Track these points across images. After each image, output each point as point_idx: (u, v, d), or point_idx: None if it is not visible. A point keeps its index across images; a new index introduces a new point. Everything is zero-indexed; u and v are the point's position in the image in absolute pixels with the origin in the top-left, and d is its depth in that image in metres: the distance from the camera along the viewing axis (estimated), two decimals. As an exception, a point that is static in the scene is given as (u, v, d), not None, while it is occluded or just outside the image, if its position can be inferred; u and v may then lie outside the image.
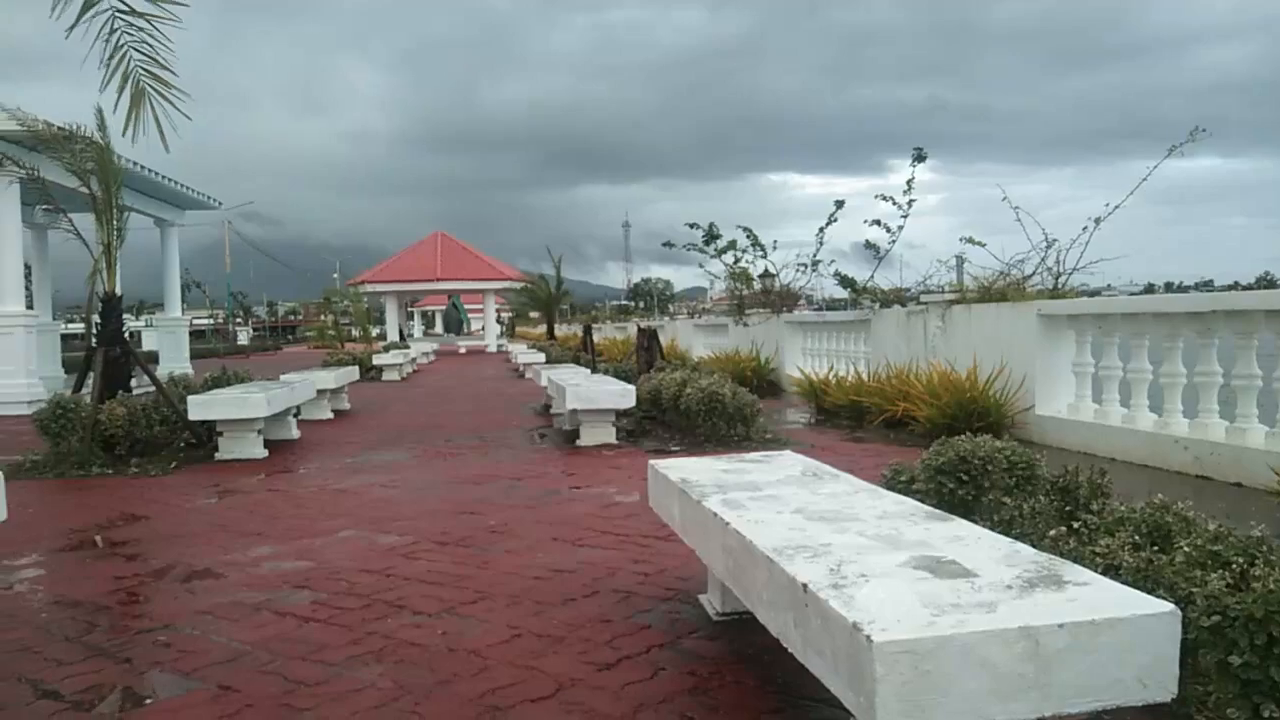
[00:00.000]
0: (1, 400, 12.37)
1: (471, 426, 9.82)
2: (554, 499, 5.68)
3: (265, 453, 7.76)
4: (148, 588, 3.94)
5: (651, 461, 3.65)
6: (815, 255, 13.53)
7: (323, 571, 4.08)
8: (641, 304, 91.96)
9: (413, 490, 6.14)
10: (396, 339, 33.89)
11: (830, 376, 10.30)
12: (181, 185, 17.06)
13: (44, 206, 9.43)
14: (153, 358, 16.67)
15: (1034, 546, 2.32)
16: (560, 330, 32.98)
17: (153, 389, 8.15)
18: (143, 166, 14.57)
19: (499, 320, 45.63)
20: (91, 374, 8.00)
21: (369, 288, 35.86)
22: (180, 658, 3.05)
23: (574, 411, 7.95)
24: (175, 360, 18.33)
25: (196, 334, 22.67)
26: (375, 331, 34.82)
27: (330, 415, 11.00)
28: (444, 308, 53.84)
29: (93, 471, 7.05)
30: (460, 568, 4.07)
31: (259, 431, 7.78)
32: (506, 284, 36.31)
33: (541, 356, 18.61)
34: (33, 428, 7.47)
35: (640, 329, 12.80)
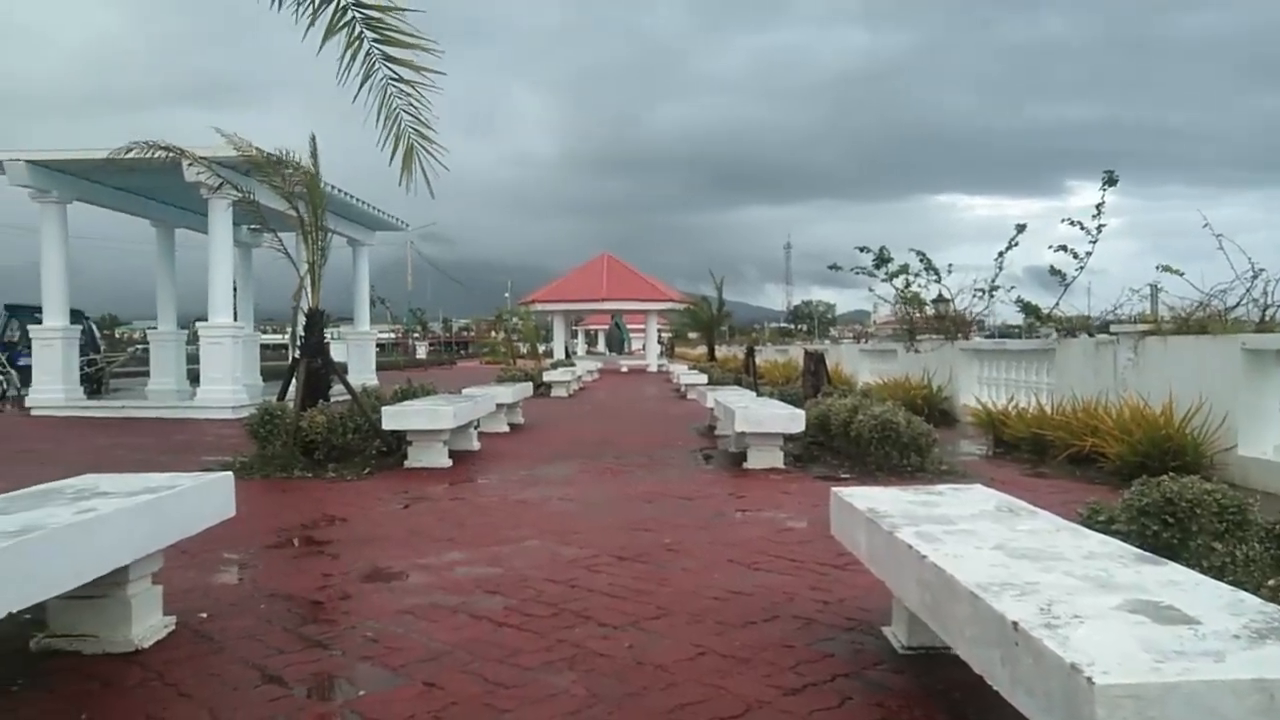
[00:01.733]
0: (210, 404, 13.50)
1: (639, 444, 10.00)
2: (725, 520, 5.72)
3: (450, 462, 8.15)
4: (353, 585, 4.22)
5: (835, 489, 3.64)
6: (994, 280, 13.09)
7: (512, 578, 4.27)
8: (803, 327, 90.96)
9: (588, 504, 6.32)
10: (563, 356, 34.81)
11: (1009, 407, 9.94)
12: (373, 208, 18.14)
13: (252, 226, 10.24)
14: (342, 369, 17.70)
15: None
16: (720, 351, 33.03)
17: (348, 398, 8.72)
18: (340, 190, 15.58)
19: (659, 340, 46.14)
20: (294, 383, 8.61)
21: (538, 307, 37.00)
22: (387, 653, 3.26)
23: (741, 434, 7.99)
24: (362, 372, 19.46)
25: (379, 347, 23.99)
26: (542, 348, 35.92)
27: (506, 429, 11.43)
28: (606, 327, 55.01)
29: (294, 474, 7.59)
30: (640, 583, 4.17)
31: (444, 442, 8.18)
32: (668, 305, 36.74)
33: (703, 378, 18.72)
34: (238, 430, 8.14)
35: (807, 353, 12.71)
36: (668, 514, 5.92)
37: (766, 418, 7.90)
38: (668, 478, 7.54)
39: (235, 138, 10.05)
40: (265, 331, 37.24)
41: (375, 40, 4.69)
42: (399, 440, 8.31)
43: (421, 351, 53.32)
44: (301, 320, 8.87)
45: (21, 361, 17.99)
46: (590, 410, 15.70)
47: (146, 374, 19.70)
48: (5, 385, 18.31)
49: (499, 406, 11.09)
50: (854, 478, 7.28)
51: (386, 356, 46.70)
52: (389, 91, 4.66)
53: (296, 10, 4.42)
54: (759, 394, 11.65)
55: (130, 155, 9.31)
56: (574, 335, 57.03)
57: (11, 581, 2.45)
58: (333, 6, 4.48)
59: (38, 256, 14.22)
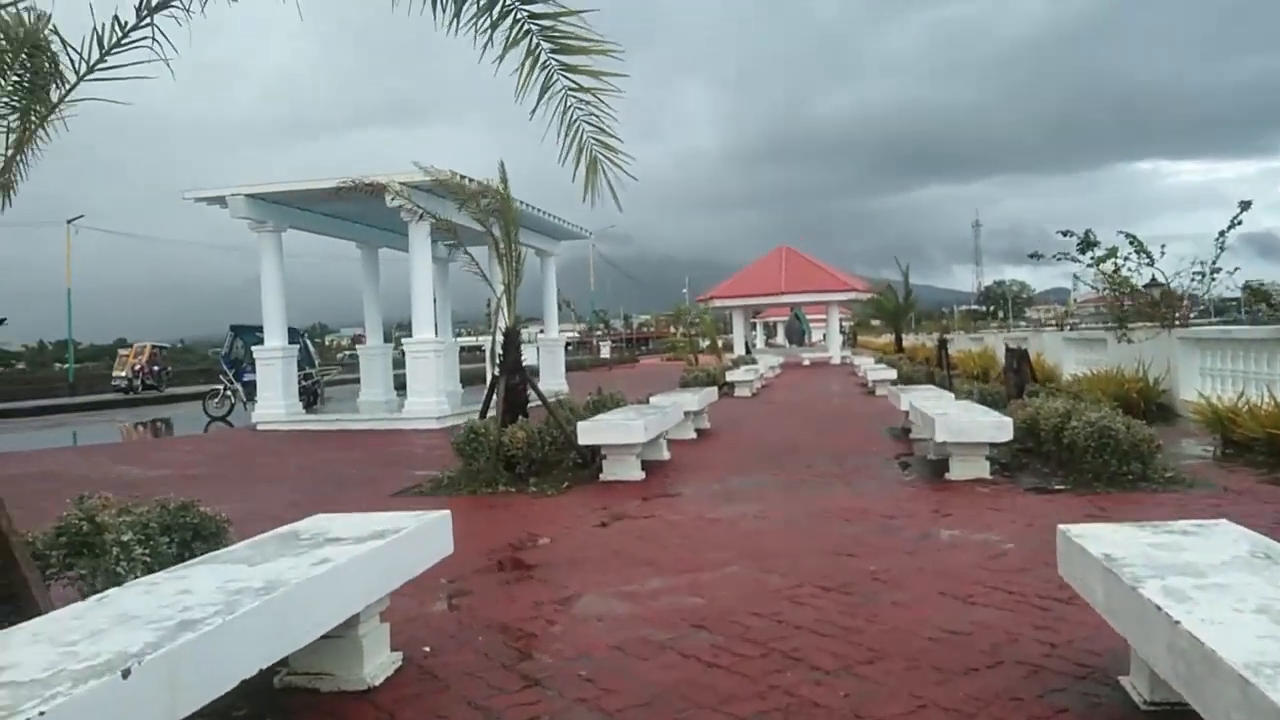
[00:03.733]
0: (416, 415, 14.26)
1: (829, 449, 9.80)
2: (932, 544, 5.51)
3: (643, 475, 8.26)
4: (563, 616, 4.33)
5: (1062, 528, 3.42)
6: (1215, 262, 12.05)
7: (716, 611, 4.26)
8: (995, 309, 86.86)
9: (784, 523, 6.24)
10: (743, 352, 34.70)
11: (1239, 403, 9.10)
12: (559, 219, 18.67)
13: (448, 244, 10.70)
14: (533, 373, 18.27)
15: None
16: (907, 340, 32.00)
17: (537, 403, 8.99)
18: (530, 206, 16.08)
19: (841, 330, 45.18)
20: (494, 399, 8.96)
21: (717, 303, 37.03)
22: (602, 695, 3.31)
23: (942, 443, 7.68)
24: (553, 376, 20.12)
25: (565, 346, 24.51)
26: (720, 342, 35.93)
27: (693, 435, 11.47)
28: (785, 319, 54.39)
29: (499, 489, 7.89)
30: (848, 618, 4.07)
31: (637, 455, 8.30)
32: (850, 295, 35.95)
33: (892, 373, 18.20)
34: (443, 440, 8.52)
35: (1009, 349, 12.08)
36: (870, 535, 5.76)
37: (970, 426, 7.56)
38: (865, 491, 7.34)
39: (431, 168, 10.56)
40: (460, 334, 38.81)
41: (552, 50, 4.56)
42: (594, 452, 8.49)
43: (605, 350, 54.40)
44: (499, 338, 9.19)
45: (246, 377, 19.58)
46: (775, 411, 15.54)
47: (355, 380, 21.10)
48: (232, 399, 20.00)
49: (686, 414, 11.14)
50: (1069, 490, 6.86)
51: (572, 356, 47.99)
52: (568, 102, 4.60)
53: (475, 27, 4.42)
54: (953, 393, 11.19)
55: (339, 187, 9.98)
56: (752, 328, 56.81)
57: (261, 640, 2.63)
58: (509, 20, 4.47)
59: (254, 277, 15.43)
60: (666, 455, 9.44)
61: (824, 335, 41.61)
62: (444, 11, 4.14)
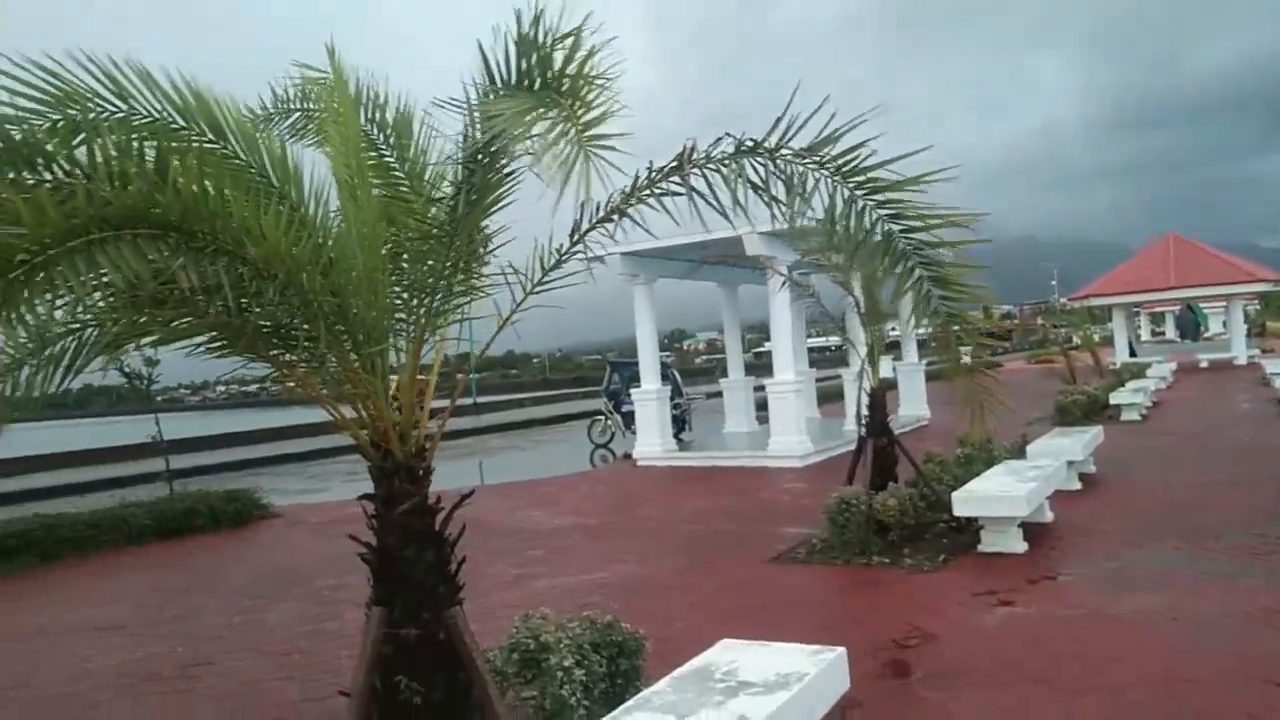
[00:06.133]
0: (780, 454, 14.69)
1: (1248, 509, 8.78)
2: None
3: (1025, 546, 7.96)
4: (959, 748, 4.37)
5: None
6: None
7: (1125, 761, 4.10)
8: None
9: (1198, 628, 5.73)
10: (1126, 355, 31.72)
11: None
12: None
13: (805, 296, 10.96)
14: (891, 385, 17.95)
15: None
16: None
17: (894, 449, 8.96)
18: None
19: (1244, 319, 39.59)
20: (861, 464, 9.07)
21: (1093, 301, 34.14)
22: None
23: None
24: (913, 401, 19.75)
25: (919, 344, 23.35)
26: (1096, 336, 32.97)
27: (1078, 485, 10.78)
28: (1174, 309, 48.71)
29: (872, 559, 7.99)
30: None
31: (1019, 525, 8.02)
32: (1258, 287, 31.58)
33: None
34: (808, 484, 8.72)
35: None
36: (1305, 653, 5.17)
37: None
38: (1295, 579, 6.56)
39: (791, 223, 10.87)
40: (813, 335, 38.42)
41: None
42: (968, 517, 8.32)
43: (966, 357, 51.41)
44: (864, 400, 9.28)
45: (624, 408, 21.19)
46: (1172, 445, 14.09)
47: (713, 393, 22.18)
48: (613, 428, 21.73)
49: (1070, 464, 10.50)
50: None
51: (928, 365, 46.13)
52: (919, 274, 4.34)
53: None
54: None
55: (704, 242, 10.69)
56: (1135, 320, 51.47)
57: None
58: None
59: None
60: (1049, 517, 8.98)
61: (1224, 325, 36.85)
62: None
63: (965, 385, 4.49)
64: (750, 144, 3.72)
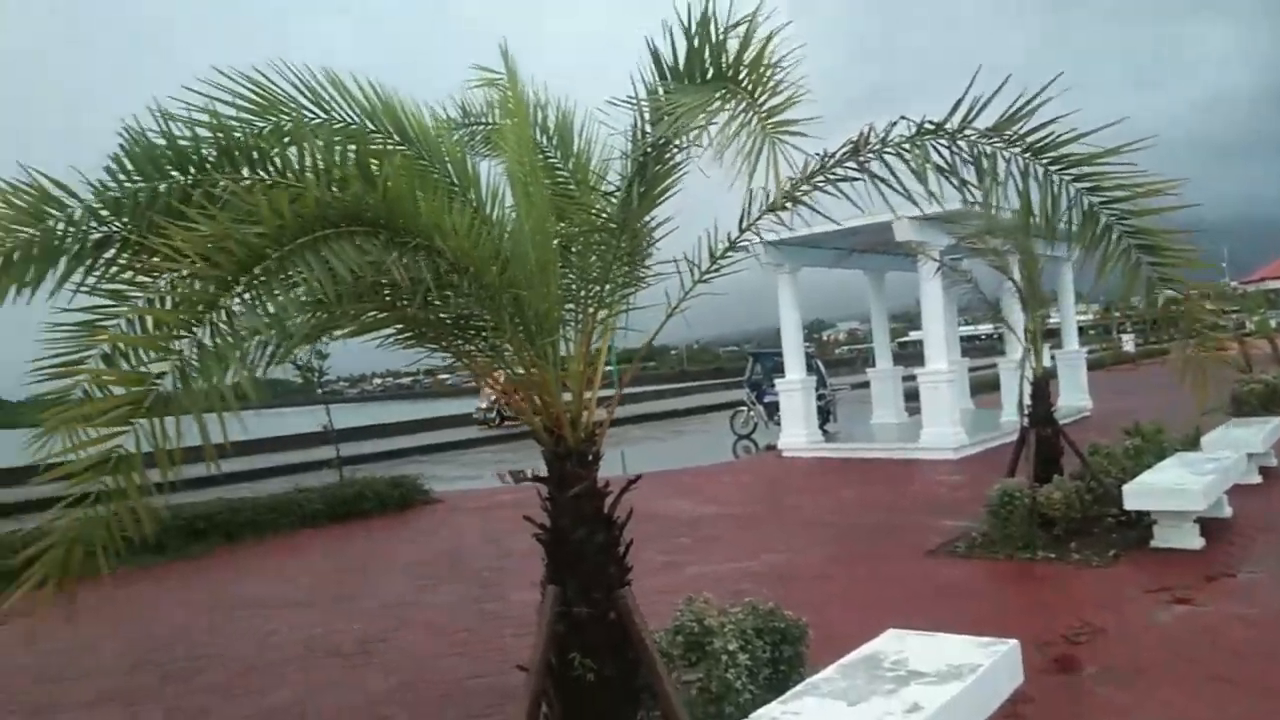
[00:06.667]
0: (932, 446, 14.34)
1: None
2: None
3: (1201, 542, 7.55)
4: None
5: None
6: None
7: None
8: None
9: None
10: (1310, 342, 29.42)
11: None
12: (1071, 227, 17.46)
13: (963, 281, 10.64)
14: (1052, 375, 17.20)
15: None
16: None
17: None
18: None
19: None
20: (1024, 455, 8.77)
21: (1270, 284, 31.86)
22: None
23: None
24: (1074, 391, 18.92)
25: (1079, 331, 22.08)
26: (1274, 322, 30.69)
27: (1257, 479, 10.12)
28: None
29: (1036, 554, 7.73)
30: None
31: (1195, 520, 7.61)
32: None
33: None
34: (963, 475, 8.50)
35: None
36: None
37: None
38: None
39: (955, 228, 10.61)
40: (964, 323, 37.09)
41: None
42: (1140, 510, 7.94)
43: (1129, 344, 48.83)
44: (1026, 389, 8.98)
45: (766, 399, 21.07)
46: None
47: (859, 384, 21.79)
48: (755, 419, 21.65)
49: (1250, 456, 9.87)
50: None
51: (1090, 353, 43.97)
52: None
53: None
54: None
55: (853, 229, 10.50)
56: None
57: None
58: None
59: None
60: (1227, 512, 8.46)
61: None
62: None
63: (1184, 356, 4.25)
64: (931, 126, 3.67)
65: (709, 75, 3.36)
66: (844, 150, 3.81)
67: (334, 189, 2.92)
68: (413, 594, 8.50)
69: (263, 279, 2.63)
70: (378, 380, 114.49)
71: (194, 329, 2.56)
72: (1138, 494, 7.70)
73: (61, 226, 3.37)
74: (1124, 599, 6.44)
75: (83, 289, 3.56)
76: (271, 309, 2.62)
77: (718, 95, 3.15)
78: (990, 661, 3.93)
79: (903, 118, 3.73)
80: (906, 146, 3.78)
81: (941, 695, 3.59)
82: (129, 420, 2.50)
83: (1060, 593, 6.79)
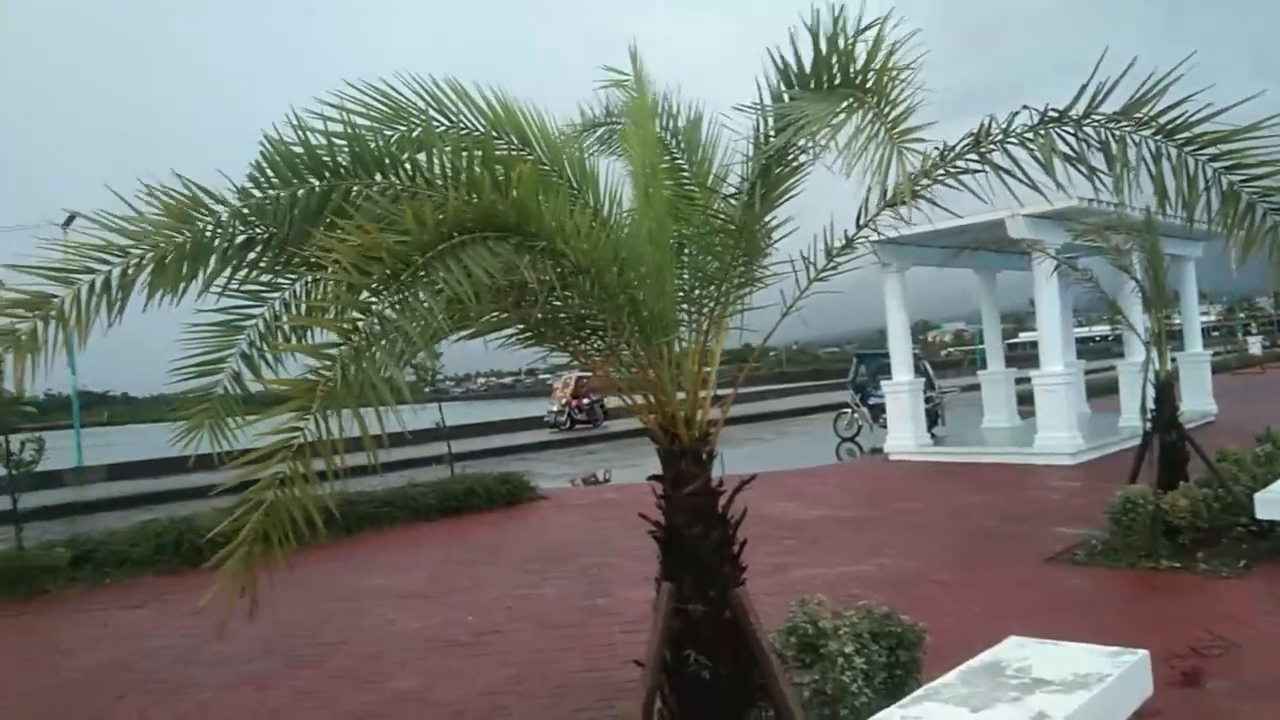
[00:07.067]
0: (1048, 451, 13.90)
1: None
2: None
3: (1341, 555, 7.17)
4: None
5: None
6: None
7: None
8: None
9: None
10: None
11: None
12: (1199, 221, 16.71)
13: (1084, 280, 10.28)
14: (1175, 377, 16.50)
15: None
16: None
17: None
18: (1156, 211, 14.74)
19: None
20: (1146, 460, 8.44)
21: None
22: None
23: None
24: (1198, 395, 18.11)
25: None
26: None
27: (1407, 490, 9.51)
28: None
29: (1160, 563, 7.44)
30: None
31: (1336, 533, 7.23)
32: None
33: None
34: (1081, 481, 8.22)
35: None
36: None
37: None
38: None
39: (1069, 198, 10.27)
40: (1077, 324, 35.86)
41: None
42: (1272, 520, 7.57)
43: (1255, 347, 46.18)
44: (1149, 392, 8.63)
45: (871, 401, 20.77)
46: None
47: (966, 387, 21.22)
48: (860, 421, 21.34)
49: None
50: None
51: (1212, 350, 41.90)
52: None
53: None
54: None
55: (965, 226, 10.33)
56: None
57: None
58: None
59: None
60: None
61: None
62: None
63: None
64: (1055, 114, 3.59)
65: (836, 82, 3.36)
66: (965, 142, 3.76)
67: (470, 195, 3.03)
68: (522, 588, 8.68)
69: (409, 284, 2.76)
70: (481, 380, 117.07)
71: (351, 335, 2.72)
72: (1272, 503, 7.33)
73: (210, 229, 3.57)
74: (1257, 611, 6.15)
75: (224, 292, 3.78)
76: (417, 312, 2.74)
77: (844, 105, 3.15)
78: (1119, 672, 3.81)
79: (1025, 107, 3.65)
80: (1030, 136, 3.70)
81: (1068, 705, 3.50)
82: (304, 413, 2.67)
83: (1187, 604, 6.52)
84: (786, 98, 3.51)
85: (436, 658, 6.73)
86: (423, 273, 2.78)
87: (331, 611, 8.38)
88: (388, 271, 2.74)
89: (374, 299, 2.75)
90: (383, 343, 2.65)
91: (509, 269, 3.04)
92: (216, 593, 2.84)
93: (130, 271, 3.38)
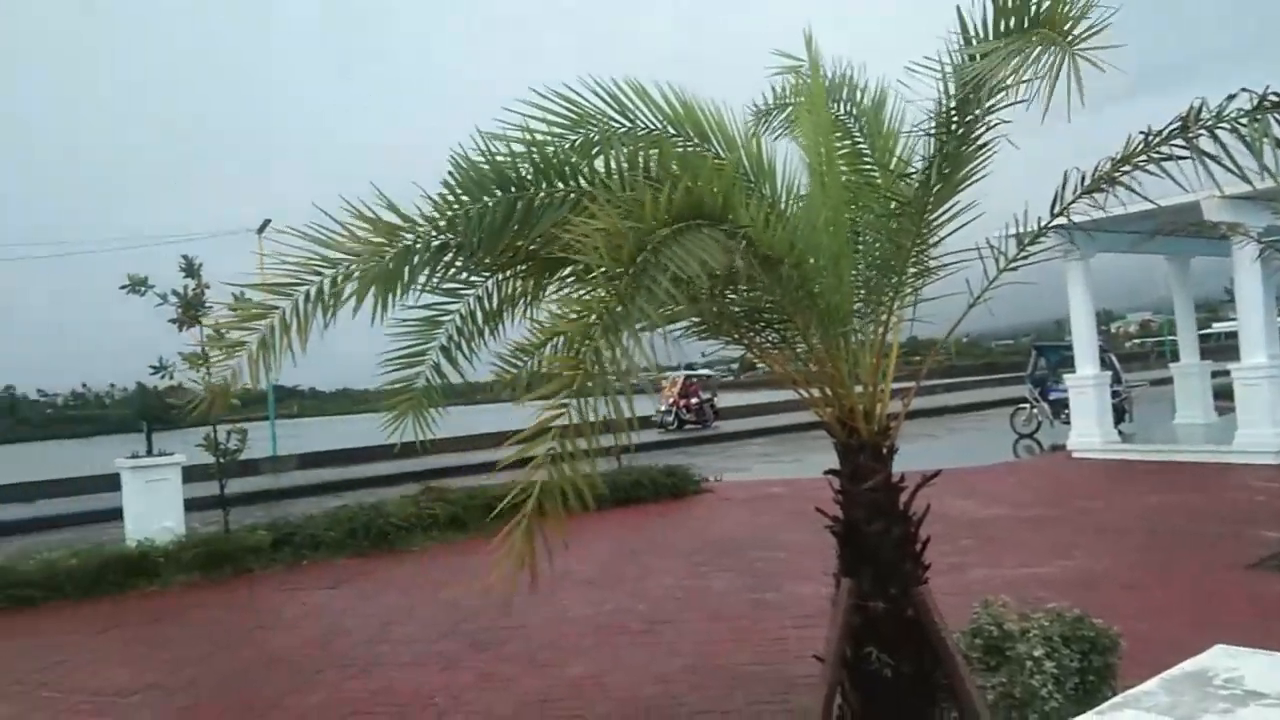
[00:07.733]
0: (1249, 449, 12.91)
1: None
2: None
3: None
4: None
5: None
6: None
7: None
8: None
9: None
10: None
11: None
12: None
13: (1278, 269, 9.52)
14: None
15: None
16: None
17: None
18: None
19: None
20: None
21: None
22: None
23: None
24: None
25: None
26: None
27: None
28: None
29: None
30: None
31: None
32: None
33: None
34: (1276, 487, 7.55)
35: None
36: None
37: None
38: None
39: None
40: None
41: None
42: None
43: None
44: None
45: (1051, 395, 19.79)
46: None
47: (1157, 381, 19.89)
48: (1039, 417, 20.37)
49: None
50: None
51: None
52: None
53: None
54: None
55: (1154, 208, 9.64)
56: None
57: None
58: None
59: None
60: None
61: None
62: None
63: None
64: (1276, 98, 3.34)
65: (1024, 25, 3.24)
66: (1172, 127, 3.54)
67: (686, 187, 3.17)
68: (690, 579, 8.75)
69: (645, 266, 3.00)
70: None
71: (603, 314, 2.99)
72: None
73: (411, 239, 3.80)
74: None
75: (425, 289, 4.01)
76: (654, 294, 2.99)
77: (1030, 40, 3.06)
78: (1342, 689, 3.51)
79: (1243, 89, 3.41)
80: (1244, 121, 3.46)
81: (1286, 721, 3.26)
82: (569, 396, 2.95)
83: None
84: (967, 57, 3.40)
85: (609, 645, 6.89)
86: (653, 257, 2.98)
87: (506, 597, 8.69)
88: (628, 255, 2.97)
89: (616, 281, 3.00)
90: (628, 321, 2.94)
91: (727, 251, 3.18)
92: (498, 562, 3.16)
93: (340, 281, 3.65)
